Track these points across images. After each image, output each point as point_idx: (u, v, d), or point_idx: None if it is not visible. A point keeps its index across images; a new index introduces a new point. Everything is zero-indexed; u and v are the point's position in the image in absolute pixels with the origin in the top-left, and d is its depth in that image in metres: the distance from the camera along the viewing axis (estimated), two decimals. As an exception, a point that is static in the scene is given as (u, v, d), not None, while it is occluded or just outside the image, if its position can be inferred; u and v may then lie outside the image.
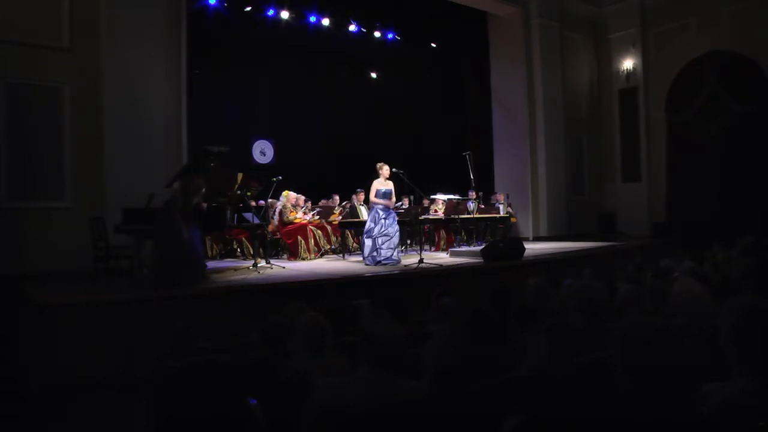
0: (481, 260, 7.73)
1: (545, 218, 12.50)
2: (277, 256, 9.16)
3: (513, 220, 11.86)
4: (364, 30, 12.40)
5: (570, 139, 13.09)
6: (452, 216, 10.03)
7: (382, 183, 7.68)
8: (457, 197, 10.22)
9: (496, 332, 2.59)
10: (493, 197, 11.63)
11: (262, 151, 12.67)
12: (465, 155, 9.82)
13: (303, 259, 8.70)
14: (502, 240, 9.70)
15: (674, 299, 2.92)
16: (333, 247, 9.60)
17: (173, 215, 5.68)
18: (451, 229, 10.59)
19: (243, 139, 12.21)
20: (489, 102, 13.40)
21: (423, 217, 9.55)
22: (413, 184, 7.81)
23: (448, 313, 3.52)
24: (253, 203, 8.33)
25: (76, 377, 4.23)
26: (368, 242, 7.73)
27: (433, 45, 13.74)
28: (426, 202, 10.63)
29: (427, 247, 10.00)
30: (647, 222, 12.77)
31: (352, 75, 13.65)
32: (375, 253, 7.64)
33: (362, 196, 9.20)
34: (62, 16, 7.35)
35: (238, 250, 9.18)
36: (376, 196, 7.67)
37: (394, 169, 7.71)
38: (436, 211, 10.43)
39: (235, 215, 7.41)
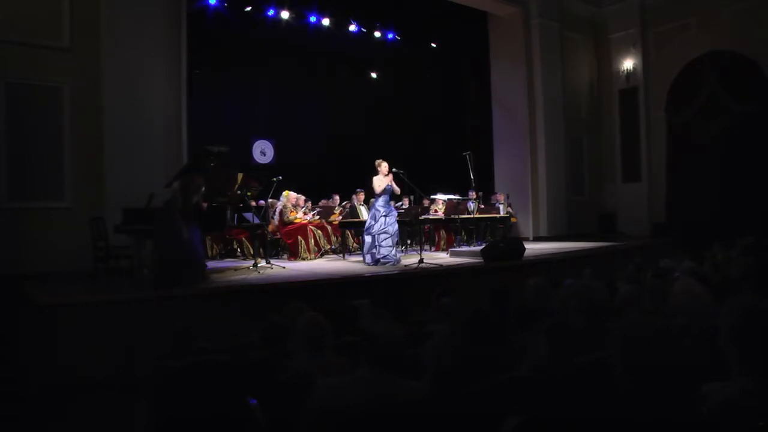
0: (481, 260, 7.73)
1: (545, 218, 12.49)
2: (277, 256, 9.16)
3: (513, 220, 11.86)
4: (364, 30, 12.40)
5: (570, 139, 13.09)
6: (452, 216, 10.03)
7: (382, 180, 7.67)
8: (457, 197, 10.22)
9: (496, 332, 2.59)
10: (493, 197, 11.63)
11: (262, 151, 12.67)
12: (465, 155, 9.82)
13: (303, 259, 8.70)
14: (502, 240, 9.71)
15: (674, 299, 2.92)
16: (333, 247, 9.60)
17: (173, 215, 5.68)
18: (451, 229, 10.59)
19: (243, 139, 12.20)
20: (489, 102, 13.40)
21: (423, 217, 9.56)
22: (413, 184, 7.82)
23: (448, 313, 3.52)
24: (253, 203, 8.33)
25: (76, 377, 4.23)
26: (368, 239, 7.78)
27: (433, 45, 13.74)
28: (426, 202, 10.63)
29: (427, 247, 10.00)
30: (647, 222, 12.77)
31: (352, 75, 13.65)
32: (374, 250, 7.66)
33: (362, 196, 9.21)
34: (62, 16, 7.35)
35: (238, 250, 9.18)
36: (384, 192, 7.67)
37: (394, 169, 7.71)
38: (436, 211, 10.43)
39: (235, 215, 7.41)
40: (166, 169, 7.27)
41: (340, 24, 12.00)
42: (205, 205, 6.10)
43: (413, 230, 9.78)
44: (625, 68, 13.17)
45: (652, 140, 12.86)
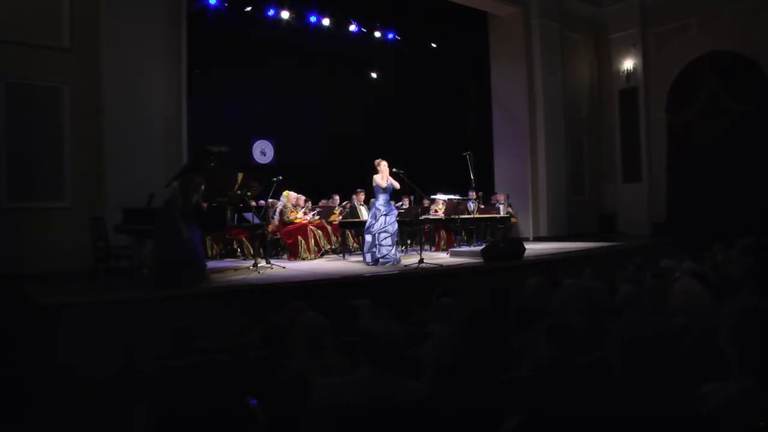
0: (481, 260, 7.73)
1: (545, 218, 12.49)
2: (277, 256, 9.16)
3: (513, 220, 11.86)
4: (364, 30, 12.39)
5: (570, 139, 13.09)
6: (452, 216, 10.03)
7: (382, 179, 7.67)
8: (457, 197, 10.22)
9: (496, 332, 2.59)
10: (493, 197, 11.63)
11: (263, 151, 12.68)
12: (465, 155, 9.83)
13: (303, 259, 8.70)
14: (502, 240, 9.71)
15: (674, 299, 2.92)
16: (333, 247, 9.60)
17: (173, 215, 5.68)
18: (452, 229, 10.59)
19: (243, 139, 12.21)
20: (489, 102, 13.39)
21: (423, 217, 9.55)
22: (413, 184, 7.82)
23: (448, 313, 3.52)
24: (254, 203, 8.33)
25: (76, 377, 4.23)
26: (368, 238, 7.79)
27: (433, 45, 13.73)
28: (426, 202, 10.63)
29: (427, 247, 10.00)
30: (647, 222, 12.77)
31: (352, 75, 13.65)
32: (374, 249, 7.67)
33: (362, 196, 9.21)
34: (62, 16, 7.35)
35: (238, 250, 9.18)
36: (385, 191, 7.68)
37: (394, 169, 7.72)
38: (436, 211, 10.43)
39: (235, 215, 7.41)
40: (166, 169, 7.26)
41: (340, 24, 12.00)
42: (205, 205, 6.10)
43: (413, 230, 9.78)
44: (626, 68, 13.16)
45: (653, 140, 12.86)
